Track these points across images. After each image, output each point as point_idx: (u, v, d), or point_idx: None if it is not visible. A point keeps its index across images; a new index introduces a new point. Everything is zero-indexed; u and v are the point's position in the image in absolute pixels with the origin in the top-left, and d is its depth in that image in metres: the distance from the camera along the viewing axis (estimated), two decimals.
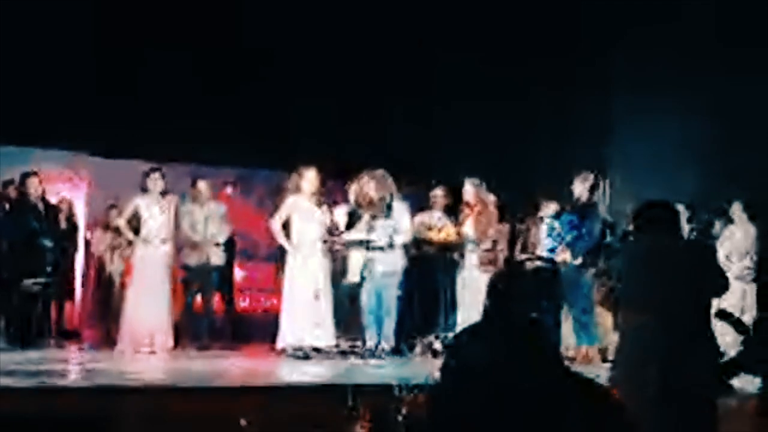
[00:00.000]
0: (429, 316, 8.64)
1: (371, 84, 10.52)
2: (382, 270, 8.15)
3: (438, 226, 8.67)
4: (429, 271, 8.65)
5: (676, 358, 4.09)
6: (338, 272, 8.58)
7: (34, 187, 8.58)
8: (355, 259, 8.50)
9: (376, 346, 8.06)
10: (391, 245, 8.11)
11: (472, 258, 8.43)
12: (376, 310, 8.13)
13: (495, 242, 8.47)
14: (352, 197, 8.64)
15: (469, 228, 8.46)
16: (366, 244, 8.24)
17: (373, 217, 8.20)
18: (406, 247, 8.31)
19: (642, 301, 4.29)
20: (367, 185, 8.19)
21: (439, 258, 8.66)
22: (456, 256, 8.63)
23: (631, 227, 8.06)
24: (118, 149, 10.13)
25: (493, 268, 8.26)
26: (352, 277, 8.54)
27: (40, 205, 8.65)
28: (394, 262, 8.19)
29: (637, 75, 9.74)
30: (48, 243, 8.50)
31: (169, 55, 10.02)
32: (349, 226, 8.53)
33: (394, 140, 10.29)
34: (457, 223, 8.65)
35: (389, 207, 8.17)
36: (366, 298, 8.23)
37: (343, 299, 8.62)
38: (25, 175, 8.68)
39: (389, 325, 8.11)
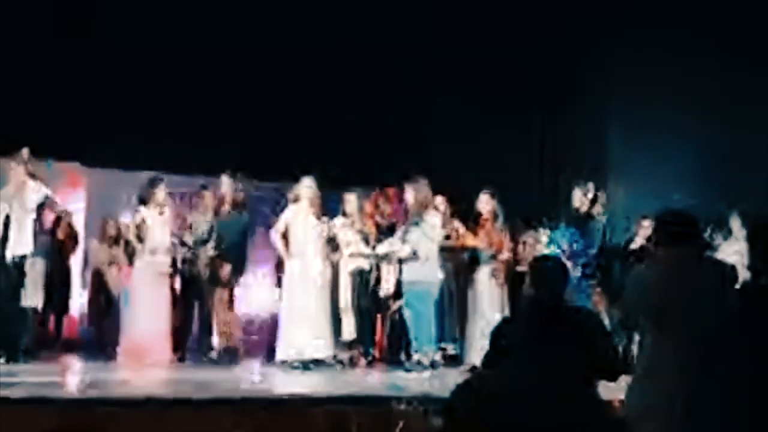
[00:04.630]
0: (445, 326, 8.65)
1: (371, 93, 10.53)
2: (415, 281, 7.99)
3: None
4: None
5: (701, 379, 3.90)
6: (370, 284, 8.61)
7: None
8: (388, 271, 8.48)
9: (412, 358, 7.96)
10: (415, 254, 7.95)
11: (484, 268, 8.42)
12: (413, 321, 7.98)
13: (502, 252, 8.46)
14: (348, 208, 8.65)
15: (481, 239, 8.45)
16: (396, 256, 8.16)
17: (407, 227, 8.10)
18: (441, 257, 8.21)
19: (665, 318, 4.05)
20: (408, 193, 8.13)
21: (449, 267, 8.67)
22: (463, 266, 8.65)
23: (638, 239, 8.16)
24: (115, 160, 10.13)
25: (503, 279, 8.29)
26: (385, 289, 8.53)
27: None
28: (429, 272, 8.03)
29: (634, 86, 9.75)
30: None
31: (167, 65, 10.02)
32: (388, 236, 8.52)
33: (393, 151, 10.30)
34: (471, 232, 8.62)
35: (421, 215, 8.05)
36: (403, 311, 8.14)
37: (370, 311, 8.63)
38: None
39: (424, 337, 7.92)
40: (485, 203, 8.50)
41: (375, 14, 10.15)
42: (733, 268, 4.20)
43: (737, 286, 4.08)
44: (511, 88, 10.47)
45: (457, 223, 8.65)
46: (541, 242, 8.39)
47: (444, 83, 10.54)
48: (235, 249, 8.88)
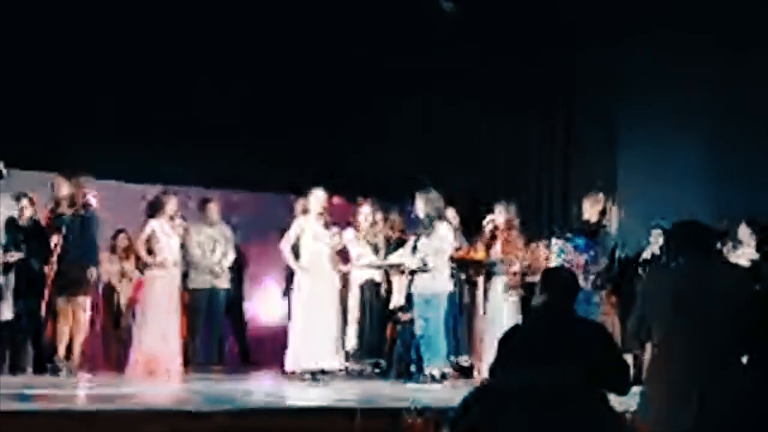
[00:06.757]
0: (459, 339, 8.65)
1: (377, 99, 10.56)
2: (425, 292, 7.96)
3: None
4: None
5: (714, 386, 3.88)
6: (381, 296, 8.62)
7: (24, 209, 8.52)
8: (398, 282, 8.47)
9: (422, 369, 7.93)
10: (425, 266, 7.92)
11: (497, 280, 8.41)
12: (423, 333, 7.94)
13: (515, 263, 8.46)
14: (362, 220, 8.65)
15: (495, 250, 8.44)
16: (407, 267, 8.14)
17: (418, 239, 8.06)
18: (452, 268, 8.19)
19: (678, 329, 4.04)
20: (418, 204, 8.10)
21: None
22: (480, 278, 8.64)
23: (649, 250, 8.15)
24: (126, 173, 10.17)
25: (516, 290, 8.28)
26: (395, 301, 8.52)
27: (30, 227, 8.55)
28: (439, 284, 8.00)
29: (644, 95, 9.75)
30: (36, 264, 8.41)
31: (176, 78, 10.06)
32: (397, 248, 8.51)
33: (400, 161, 10.31)
34: (485, 244, 8.60)
35: (432, 226, 8.02)
36: (414, 322, 8.11)
37: (380, 323, 8.62)
38: (16, 198, 8.63)
39: (435, 349, 7.89)
40: (500, 214, 8.49)
41: (381, 16, 10.16)
42: (747, 271, 4.19)
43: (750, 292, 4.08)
44: (520, 95, 10.47)
45: (462, 237, 8.63)
46: (551, 253, 8.36)
47: (452, 91, 10.55)
48: (78, 253, 8.45)
